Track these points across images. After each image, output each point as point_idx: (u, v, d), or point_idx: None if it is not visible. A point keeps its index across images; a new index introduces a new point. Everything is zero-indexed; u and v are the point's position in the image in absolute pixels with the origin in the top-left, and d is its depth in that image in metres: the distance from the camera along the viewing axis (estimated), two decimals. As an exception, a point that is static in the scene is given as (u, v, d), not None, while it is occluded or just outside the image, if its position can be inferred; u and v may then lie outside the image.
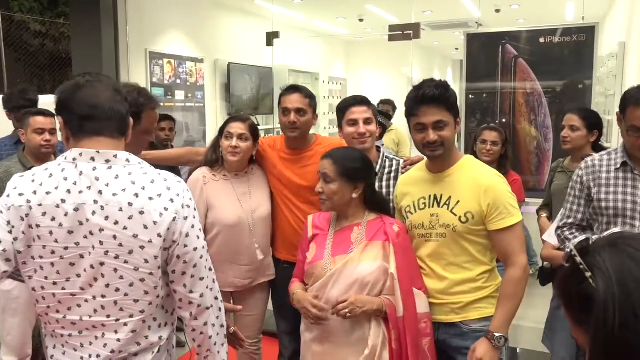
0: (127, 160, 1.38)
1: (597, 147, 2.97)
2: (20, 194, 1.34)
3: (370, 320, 1.87)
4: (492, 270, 1.96)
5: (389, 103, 5.86)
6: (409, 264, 1.93)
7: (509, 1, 6.20)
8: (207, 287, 1.43)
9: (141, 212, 1.32)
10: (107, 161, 1.36)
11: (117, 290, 1.36)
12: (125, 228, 1.32)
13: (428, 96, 1.88)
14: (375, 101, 3.79)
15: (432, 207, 1.97)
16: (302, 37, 7.56)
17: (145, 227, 1.33)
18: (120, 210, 1.32)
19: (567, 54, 3.93)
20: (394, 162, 2.39)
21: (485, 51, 4.14)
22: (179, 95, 5.50)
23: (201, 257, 1.42)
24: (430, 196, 1.98)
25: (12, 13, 8.49)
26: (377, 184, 2.32)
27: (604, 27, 5.84)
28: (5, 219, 1.35)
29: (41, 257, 1.35)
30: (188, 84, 5.62)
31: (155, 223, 1.33)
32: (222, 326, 1.53)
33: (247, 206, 2.44)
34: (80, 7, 4.67)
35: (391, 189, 2.31)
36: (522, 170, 4.05)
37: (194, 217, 1.42)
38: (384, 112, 4.27)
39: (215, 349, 1.51)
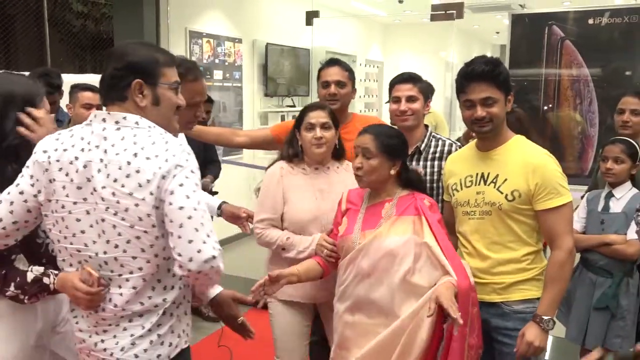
0: (137, 123, 1.43)
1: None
2: (44, 151, 1.46)
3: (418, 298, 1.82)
4: (537, 252, 1.92)
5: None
6: (446, 237, 1.89)
7: (556, -18, 6.01)
8: (197, 251, 1.36)
9: (137, 171, 1.37)
10: (117, 122, 1.43)
11: (116, 246, 1.42)
12: (123, 186, 1.37)
13: (477, 72, 1.86)
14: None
15: (479, 184, 1.94)
16: (342, 17, 7.49)
17: (140, 185, 1.37)
18: (120, 168, 1.38)
19: (617, 36, 3.79)
20: (440, 142, 2.35)
21: (530, 33, 4.02)
22: (217, 75, 5.54)
23: (189, 218, 1.37)
24: (477, 174, 1.95)
25: (56, -8, 8.65)
26: (421, 163, 2.31)
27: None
28: (30, 172, 1.47)
29: (56, 211, 1.45)
30: (226, 63, 5.65)
31: (148, 181, 1.37)
32: None
33: (325, 204, 2.19)
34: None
35: (435, 169, 2.29)
36: (564, 156, 3.95)
37: (186, 177, 1.39)
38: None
39: None
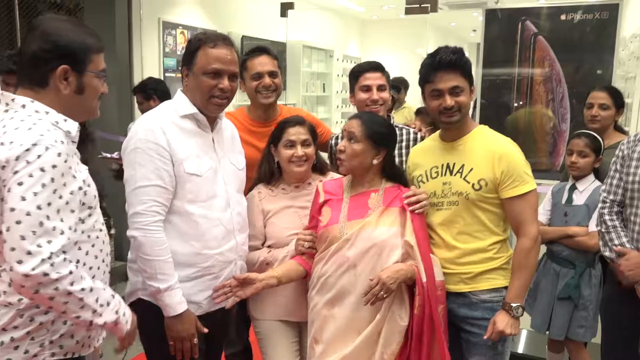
0: (23, 105, 1.35)
1: (617, 129, 2.90)
2: None
3: None
4: (504, 241, 1.93)
5: (401, 82, 5.78)
6: (425, 231, 1.90)
7: (530, -20, 6.06)
8: (17, 262, 1.24)
9: None
10: (6, 104, 1.36)
11: None
12: None
13: (445, 62, 1.86)
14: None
15: (445, 175, 1.93)
16: (317, 10, 7.45)
17: None
18: None
19: (589, 32, 3.83)
20: (404, 131, 2.35)
21: (503, 28, 4.04)
22: (192, 67, 5.46)
23: (18, 223, 1.23)
24: (442, 165, 1.95)
25: (27, -18, 8.44)
26: None
27: (627, 7, 5.70)
28: None
29: None
30: (201, 55, 5.57)
31: None
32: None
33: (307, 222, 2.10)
34: (94, -26, 4.64)
35: (403, 158, 2.28)
36: (537, 151, 3.99)
37: (30, 176, 1.25)
38: (393, 85, 4.19)
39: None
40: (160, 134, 1.75)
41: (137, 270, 1.81)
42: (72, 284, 1.30)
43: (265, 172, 2.14)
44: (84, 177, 1.42)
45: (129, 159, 1.75)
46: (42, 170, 1.26)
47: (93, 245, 1.46)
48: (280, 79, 2.39)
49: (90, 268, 1.45)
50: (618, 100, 2.82)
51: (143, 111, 3.87)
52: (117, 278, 3.45)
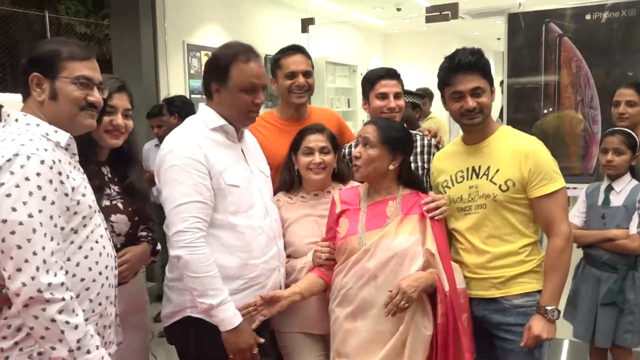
0: (16, 119, 1.39)
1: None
2: None
3: None
4: (534, 243, 1.87)
5: (426, 93, 5.74)
6: (445, 239, 1.86)
7: (553, -16, 5.99)
8: (16, 269, 1.26)
9: None
10: (4, 120, 1.41)
11: None
12: None
13: (464, 63, 1.84)
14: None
15: (471, 179, 1.90)
16: (337, 24, 7.49)
17: None
18: None
19: (616, 31, 3.74)
20: (418, 137, 2.31)
21: (527, 31, 3.98)
22: (217, 87, 5.54)
23: (12, 233, 1.26)
24: (468, 168, 1.91)
25: (59, 15, 8.75)
26: None
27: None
28: None
29: None
30: (225, 76, 5.65)
31: None
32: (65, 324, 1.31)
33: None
34: (120, 1, 4.76)
35: (419, 164, 2.25)
36: (568, 156, 3.89)
37: (17, 187, 1.27)
38: (414, 93, 4.15)
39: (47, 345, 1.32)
40: (197, 148, 1.74)
41: (184, 289, 1.79)
42: (60, 312, 1.29)
43: (285, 179, 2.11)
44: (76, 185, 1.41)
45: (166, 177, 1.74)
46: (27, 179, 1.28)
47: (86, 257, 1.44)
48: (313, 79, 2.39)
49: (82, 280, 1.43)
50: None
51: (157, 127, 3.93)
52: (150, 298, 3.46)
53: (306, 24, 4.65)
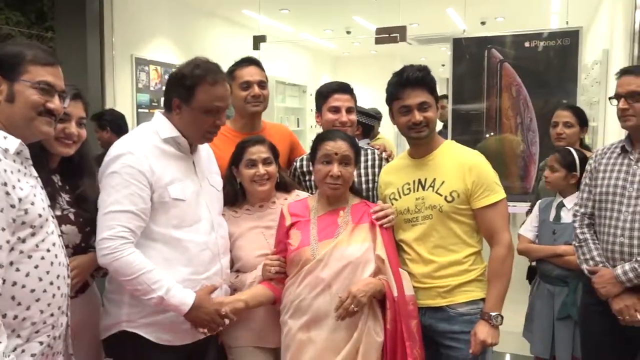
0: None
1: (584, 147, 2.97)
2: None
3: None
4: (478, 252, 1.93)
5: (374, 114, 5.86)
6: (393, 246, 1.90)
7: (494, 13, 6.30)
8: None
9: None
10: None
11: None
12: None
13: (412, 78, 1.91)
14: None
15: (417, 190, 1.95)
16: (289, 42, 7.57)
17: None
18: None
19: (552, 57, 3.96)
20: (369, 152, 2.36)
21: (471, 56, 4.16)
22: (165, 102, 5.47)
23: None
24: (414, 181, 1.97)
25: (-1, 25, 8.43)
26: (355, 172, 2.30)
27: (588, 35, 5.93)
28: None
29: None
30: (174, 91, 5.59)
31: None
32: None
33: (274, 241, 2.03)
34: (66, 12, 4.66)
35: (369, 177, 2.29)
36: (509, 176, 4.05)
37: None
38: (368, 114, 4.24)
39: None
40: (143, 158, 1.70)
41: (120, 302, 1.74)
42: None
43: (228, 193, 2.07)
44: (24, 195, 1.35)
45: (105, 182, 1.70)
46: None
47: (36, 267, 1.38)
48: (267, 90, 2.40)
49: (32, 291, 1.37)
50: (581, 118, 2.89)
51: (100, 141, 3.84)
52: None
53: (258, 41, 4.68)
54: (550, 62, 3.96)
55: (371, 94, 8.75)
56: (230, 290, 1.99)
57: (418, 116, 1.89)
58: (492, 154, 4.04)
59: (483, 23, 6.51)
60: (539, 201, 2.74)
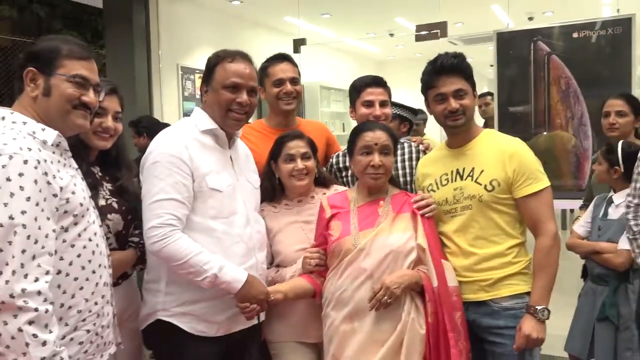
0: (2, 117, 1.36)
1: (638, 136, 2.81)
2: None
3: (405, 294, 1.77)
4: (521, 244, 1.85)
5: (422, 113, 5.77)
6: (435, 236, 1.86)
7: (542, 7, 6.10)
8: None
9: None
10: None
11: None
12: None
13: (447, 65, 1.86)
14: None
15: (455, 181, 1.90)
16: (330, 46, 7.56)
17: None
18: None
19: (603, 47, 3.78)
20: (405, 145, 2.32)
21: (515, 50, 4.03)
22: (210, 110, 5.57)
23: None
24: (452, 171, 1.91)
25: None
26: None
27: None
28: None
29: None
30: (219, 99, 5.69)
31: None
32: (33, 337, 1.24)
33: (313, 236, 2.02)
34: (115, 27, 4.84)
35: (407, 170, 2.25)
36: (560, 174, 3.88)
37: None
38: (404, 106, 4.16)
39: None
40: (183, 148, 1.74)
41: (157, 291, 1.77)
42: (30, 323, 1.23)
43: (267, 189, 2.07)
44: (64, 184, 1.38)
45: (147, 173, 1.74)
46: (9, 179, 1.24)
47: (79, 255, 1.41)
48: (301, 86, 2.40)
49: (76, 279, 1.40)
50: (635, 106, 2.74)
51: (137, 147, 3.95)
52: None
53: (298, 44, 4.70)
54: (601, 53, 3.78)
55: (416, 98, 8.68)
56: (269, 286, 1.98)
57: (454, 104, 1.83)
58: (543, 152, 3.90)
59: (531, 18, 6.31)
60: (596, 197, 2.63)
